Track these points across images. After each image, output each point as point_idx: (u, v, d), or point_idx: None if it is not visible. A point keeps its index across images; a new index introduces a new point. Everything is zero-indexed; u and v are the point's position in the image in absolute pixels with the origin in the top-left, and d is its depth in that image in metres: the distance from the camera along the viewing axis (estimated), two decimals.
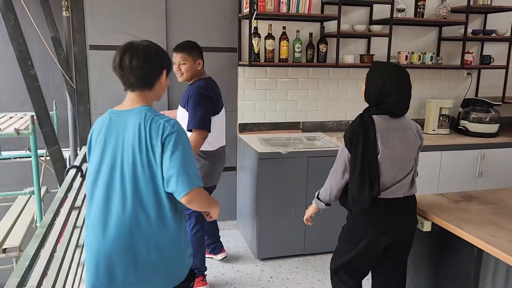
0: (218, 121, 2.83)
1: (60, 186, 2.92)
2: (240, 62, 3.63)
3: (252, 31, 3.42)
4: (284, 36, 3.53)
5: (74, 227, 2.66)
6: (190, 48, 2.70)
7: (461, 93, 4.30)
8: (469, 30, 3.90)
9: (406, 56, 3.81)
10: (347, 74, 3.97)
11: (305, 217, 2.35)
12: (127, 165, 1.57)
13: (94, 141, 1.67)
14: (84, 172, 2.85)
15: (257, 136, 3.68)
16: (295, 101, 3.90)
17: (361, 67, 3.80)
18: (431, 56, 3.87)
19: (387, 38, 3.75)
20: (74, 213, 2.81)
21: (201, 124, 2.58)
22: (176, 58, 2.70)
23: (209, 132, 2.64)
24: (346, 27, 3.61)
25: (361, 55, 3.79)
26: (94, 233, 1.61)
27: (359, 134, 1.92)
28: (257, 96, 3.78)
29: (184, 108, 2.69)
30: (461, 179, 3.70)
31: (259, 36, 3.47)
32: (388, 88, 1.93)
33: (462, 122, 4.03)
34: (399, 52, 3.84)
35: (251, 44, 3.42)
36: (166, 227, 1.61)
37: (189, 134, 2.54)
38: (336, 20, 3.55)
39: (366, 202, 1.93)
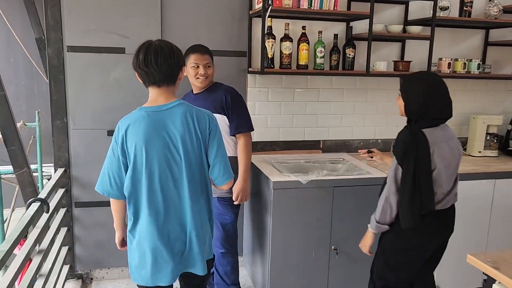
0: None
1: None
2: (250, 69, 3.01)
3: (266, 31, 2.82)
4: (304, 37, 2.92)
5: (34, 277, 2.06)
6: (211, 51, 2.55)
7: (509, 108, 3.66)
8: None
9: (449, 64, 3.18)
10: (377, 84, 3.34)
11: (365, 250, 2.24)
12: (179, 154, 1.74)
13: (130, 140, 1.74)
14: (50, 207, 2.25)
15: (269, 158, 3.05)
16: (315, 116, 3.27)
17: (395, 76, 3.17)
18: (478, 64, 3.23)
19: (425, 42, 3.13)
20: (36, 259, 2.20)
21: (252, 126, 2.58)
22: (202, 59, 2.45)
23: None
24: (379, 28, 2.99)
25: (395, 62, 3.16)
26: (154, 220, 1.77)
27: (412, 150, 1.92)
28: (270, 109, 3.16)
29: (221, 113, 2.48)
30: None
31: (274, 38, 2.86)
32: (430, 97, 1.95)
33: None
34: (440, 59, 3.21)
35: (264, 47, 2.81)
36: (208, 207, 1.89)
37: (226, 137, 2.49)
38: (367, 20, 2.94)
39: (416, 221, 1.95)
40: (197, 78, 2.44)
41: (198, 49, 2.47)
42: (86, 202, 2.91)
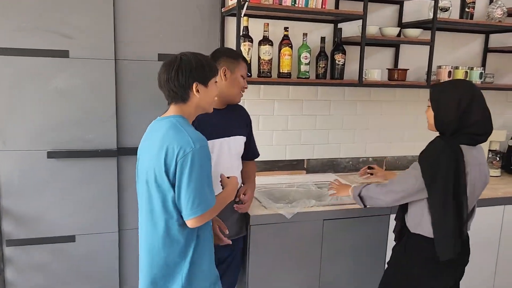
0: None
1: None
2: None
3: (241, 33, 2.36)
4: (286, 40, 2.47)
5: None
6: None
7: (509, 121, 3.32)
8: None
9: (449, 73, 2.80)
10: (368, 95, 2.93)
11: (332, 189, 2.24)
12: (150, 173, 1.58)
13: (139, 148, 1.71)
14: None
15: None
16: (298, 131, 2.83)
17: (390, 87, 2.76)
18: (481, 73, 2.87)
19: (421, 47, 2.75)
20: None
21: None
22: (246, 69, 2.04)
23: None
24: (374, 31, 2.57)
25: (390, 70, 2.76)
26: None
27: (450, 165, 1.71)
28: None
29: (243, 135, 2.11)
30: None
31: (251, 41, 2.40)
32: (466, 106, 1.73)
33: None
34: (439, 67, 2.82)
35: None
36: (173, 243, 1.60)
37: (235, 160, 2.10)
38: (358, 21, 2.53)
39: (457, 251, 1.78)
40: (242, 91, 2.02)
41: (244, 56, 2.06)
42: (21, 239, 2.37)
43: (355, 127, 2.94)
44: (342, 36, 2.64)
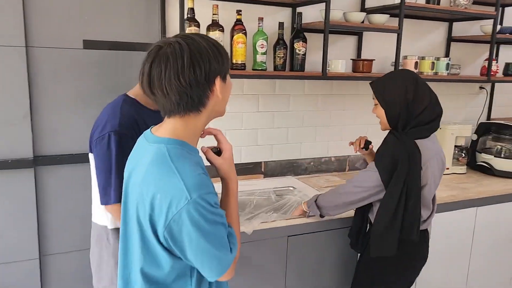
0: None
1: None
2: None
3: (186, 16, 1.97)
4: (239, 26, 2.11)
5: None
6: None
7: (472, 114, 3.17)
8: (487, 28, 2.75)
9: (416, 63, 2.57)
10: (330, 89, 2.64)
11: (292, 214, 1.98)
12: (133, 210, 1.11)
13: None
14: None
15: None
16: (254, 131, 2.49)
17: (356, 79, 2.49)
18: (447, 64, 2.66)
19: (384, 36, 2.51)
20: None
21: None
22: None
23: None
24: (338, 16, 2.27)
25: (354, 61, 2.48)
26: None
27: (403, 165, 1.60)
28: None
29: None
30: (502, 246, 2.53)
31: (198, 25, 2.02)
32: (414, 93, 1.63)
33: (483, 156, 2.88)
34: (405, 57, 2.58)
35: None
36: None
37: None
38: (318, 5, 2.22)
39: (391, 250, 1.66)
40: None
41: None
42: None
43: (316, 124, 2.65)
44: (303, 22, 2.32)
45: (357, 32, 2.60)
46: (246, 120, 2.44)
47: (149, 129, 1.16)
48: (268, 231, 1.86)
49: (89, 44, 2.00)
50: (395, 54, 2.40)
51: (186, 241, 1.02)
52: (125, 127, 1.42)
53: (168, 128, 1.10)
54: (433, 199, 1.78)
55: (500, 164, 2.78)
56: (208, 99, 1.07)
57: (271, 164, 2.57)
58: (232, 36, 2.11)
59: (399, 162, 1.60)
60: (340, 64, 2.35)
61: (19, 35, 1.87)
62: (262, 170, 2.55)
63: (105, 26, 2.02)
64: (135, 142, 1.21)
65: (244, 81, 2.39)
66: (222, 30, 2.07)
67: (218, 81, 1.07)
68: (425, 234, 1.80)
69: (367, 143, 1.97)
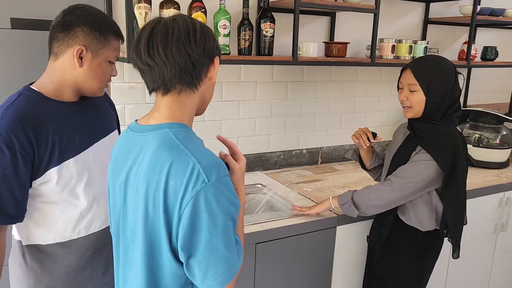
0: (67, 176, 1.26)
1: None
2: None
3: None
4: (197, 3, 1.83)
5: None
6: None
7: None
8: (466, 8, 2.58)
9: (393, 47, 2.37)
10: (301, 75, 2.41)
11: (310, 211, 1.79)
12: (136, 213, 0.98)
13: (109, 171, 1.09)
14: None
15: None
16: (218, 122, 2.24)
17: (328, 64, 2.27)
18: (425, 48, 2.48)
19: (356, 17, 2.31)
20: None
21: None
22: (119, 51, 1.31)
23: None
24: None
25: (327, 44, 2.25)
26: None
27: (462, 154, 1.57)
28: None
29: (115, 127, 1.49)
30: (474, 235, 2.40)
31: (149, 2, 1.73)
32: (455, 82, 1.58)
33: None
34: (381, 40, 2.38)
35: (131, 18, 1.69)
36: None
37: None
38: None
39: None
40: (108, 81, 1.31)
41: (119, 29, 1.28)
42: None
43: (286, 114, 2.42)
44: (269, 0, 2.07)
45: (329, 12, 2.37)
46: (208, 110, 2.18)
47: (133, 122, 1.05)
48: None
49: (17, 23, 1.68)
50: (372, 36, 2.18)
51: (197, 234, 0.90)
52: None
53: (164, 113, 0.99)
54: None
55: (479, 154, 2.64)
56: (205, 77, 1.00)
57: None
58: (189, 15, 1.84)
59: (458, 150, 1.54)
60: (312, 47, 2.12)
61: None
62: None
63: (35, 3, 1.71)
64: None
65: None
66: (178, 8, 1.80)
67: (216, 62, 1.02)
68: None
69: (374, 135, 1.77)
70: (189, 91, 0.99)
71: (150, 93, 1.01)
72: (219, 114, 2.22)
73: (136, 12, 1.69)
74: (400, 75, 1.64)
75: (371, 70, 2.62)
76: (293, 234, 1.76)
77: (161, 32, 0.94)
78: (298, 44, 2.11)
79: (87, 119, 1.31)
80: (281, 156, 2.46)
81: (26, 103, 1.18)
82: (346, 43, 2.23)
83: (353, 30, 2.47)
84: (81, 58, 1.20)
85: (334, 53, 2.21)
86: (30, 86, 1.23)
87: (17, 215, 1.18)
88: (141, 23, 1.70)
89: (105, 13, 1.75)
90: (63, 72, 1.21)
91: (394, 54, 2.39)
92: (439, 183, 1.60)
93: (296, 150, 2.50)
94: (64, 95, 1.24)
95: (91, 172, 1.28)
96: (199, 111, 1.09)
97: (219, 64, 1.03)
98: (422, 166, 1.57)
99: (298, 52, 2.11)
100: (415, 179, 1.57)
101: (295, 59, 1.98)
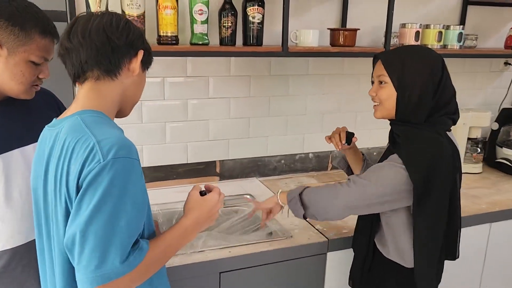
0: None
1: None
2: None
3: None
4: None
5: None
6: None
7: (492, 98, 2.55)
8: None
9: (417, 33, 1.97)
10: (305, 67, 2.07)
11: (263, 217, 1.47)
12: (45, 207, 0.97)
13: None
14: None
15: None
16: (204, 122, 1.97)
17: (327, 56, 1.92)
18: (460, 34, 2.05)
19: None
20: None
21: None
22: (51, 52, 1.15)
23: None
24: None
25: (332, 31, 1.90)
26: None
27: (447, 166, 1.19)
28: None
29: None
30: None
31: None
32: (441, 76, 1.23)
33: (505, 151, 2.29)
34: (403, 26, 1.99)
35: (87, 4, 1.45)
36: None
37: None
38: None
39: (435, 280, 1.31)
40: (34, 85, 1.14)
41: (49, 25, 1.11)
42: None
43: (287, 113, 2.10)
44: None
45: None
46: (192, 108, 1.92)
47: (54, 119, 1.01)
48: (192, 266, 1.36)
49: None
50: (386, 20, 1.81)
51: (79, 215, 0.82)
52: None
53: (80, 102, 0.96)
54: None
55: None
56: (125, 67, 0.97)
57: (228, 164, 2.05)
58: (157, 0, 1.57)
59: (435, 161, 1.17)
60: (311, 35, 1.79)
61: None
62: (217, 171, 2.04)
63: None
64: None
65: (188, 60, 1.86)
66: None
67: (140, 55, 0.99)
68: None
69: (349, 135, 1.47)
70: (108, 79, 0.96)
71: (73, 83, 0.99)
72: (204, 113, 1.94)
73: None
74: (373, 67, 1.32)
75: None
76: (270, 262, 1.46)
77: (84, 19, 0.95)
78: (295, 31, 1.79)
79: (8, 123, 1.13)
80: (282, 161, 2.15)
81: None
82: (355, 30, 1.86)
83: (370, 14, 2.09)
84: None
85: (341, 42, 1.85)
86: None
87: None
88: (94, 8, 1.46)
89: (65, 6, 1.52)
90: None
91: (418, 42, 1.99)
92: (411, 199, 1.22)
93: (301, 154, 2.18)
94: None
95: (6, 179, 1.12)
96: (123, 110, 1.04)
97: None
98: (391, 170, 1.21)
99: (295, 41, 1.80)
100: (380, 182, 1.22)
101: (284, 50, 1.65)
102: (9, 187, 1.13)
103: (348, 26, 2.06)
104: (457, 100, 1.30)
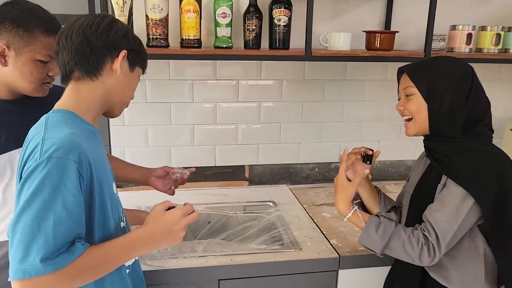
0: None
1: None
2: None
3: None
4: None
5: None
6: None
7: None
8: None
9: (469, 36, 1.77)
10: (343, 72, 1.97)
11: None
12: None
13: None
14: None
15: (144, 198, 1.76)
16: (233, 126, 1.96)
17: (358, 60, 1.79)
18: None
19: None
20: None
21: None
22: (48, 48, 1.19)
23: None
24: None
25: (368, 33, 1.77)
26: None
27: (502, 178, 1.09)
28: (147, 117, 1.85)
29: None
30: None
31: None
32: (471, 87, 1.15)
33: None
34: (453, 28, 1.80)
35: (105, 8, 1.52)
36: None
37: None
38: None
39: None
40: (45, 83, 1.20)
41: (52, 24, 1.18)
42: None
43: (322, 119, 2.01)
44: None
45: None
46: (222, 111, 1.92)
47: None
48: (191, 270, 1.35)
49: None
50: (428, 21, 1.65)
51: (19, 201, 0.85)
52: None
53: (59, 102, 1.01)
54: None
55: None
56: (105, 67, 0.98)
57: (257, 169, 2.01)
58: (180, 2, 1.59)
59: (504, 173, 1.10)
60: (342, 38, 1.68)
61: None
62: (246, 176, 2.01)
63: None
64: None
65: (218, 63, 1.86)
66: None
67: (121, 56, 0.99)
68: None
69: (366, 157, 1.35)
70: (88, 80, 0.98)
71: (62, 84, 1.02)
72: (232, 117, 1.93)
73: (113, 0, 1.51)
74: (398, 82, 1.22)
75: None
76: (273, 274, 1.40)
77: (71, 22, 0.98)
78: (325, 34, 1.71)
79: (25, 119, 1.20)
80: (316, 169, 2.06)
81: None
82: (393, 33, 1.72)
83: (418, 16, 1.92)
84: (4, 56, 1.13)
85: (376, 46, 1.73)
86: None
87: None
88: (118, 13, 1.51)
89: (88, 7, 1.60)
90: None
91: (470, 46, 1.79)
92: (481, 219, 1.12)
93: (337, 163, 2.07)
94: (8, 94, 1.19)
95: (13, 175, 1.18)
96: (111, 111, 1.05)
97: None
98: (454, 208, 1.09)
99: (325, 45, 1.71)
100: (451, 224, 1.09)
101: (307, 54, 1.58)
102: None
103: (393, 29, 1.92)
104: None
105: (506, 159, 1.13)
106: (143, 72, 1.09)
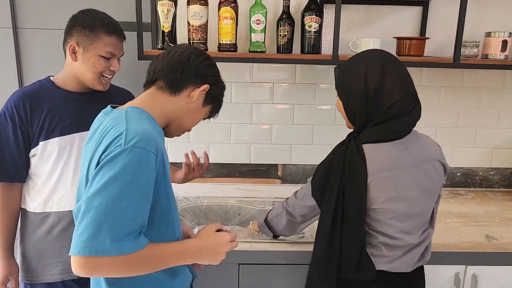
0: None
1: None
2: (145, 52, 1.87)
3: None
4: None
5: None
6: None
7: None
8: None
9: (504, 43, 1.76)
10: None
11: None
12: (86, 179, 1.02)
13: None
14: None
15: (184, 190, 1.93)
16: (268, 126, 2.07)
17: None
18: None
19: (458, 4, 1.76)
20: None
21: None
22: (119, 49, 1.44)
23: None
24: None
25: (398, 40, 1.82)
26: None
27: (335, 178, 1.17)
28: None
29: None
30: None
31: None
32: (377, 82, 1.14)
33: None
34: (488, 35, 1.80)
35: (154, 16, 1.70)
36: None
37: None
38: None
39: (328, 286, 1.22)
40: (105, 76, 1.42)
41: (114, 27, 1.41)
42: None
43: None
44: None
45: (418, 1, 1.91)
46: (257, 111, 2.04)
47: (108, 106, 1.12)
48: None
49: None
50: (457, 27, 1.67)
51: (89, 188, 0.90)
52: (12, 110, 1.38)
53: (135, 101, 1.09)
54: (425, 231, 1.27)
55: None
56: (186, 90, 1.08)
57: (290, 168, 2.11)
58: (219, 10, 1.75)
59: (331, 173, 1.20)
60: (371, 44, 1.75)
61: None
62: (279, 174, 2.12)
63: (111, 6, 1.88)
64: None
65: (255, 66, 1.99)
66: (205, 3, 1.72)
67: (203, 88, 1.09)
68: (393, 278, 1.23)
69: None
70: (167, 92, 1.07)
71: (143, 87, 1.12)
72: (268, 117, 2.05)
73: (159, 9, 1.69)
74: None
75: (483, 74, 2.02)
76: (291, 263, 1.49)
77: (181, 45, 1.15)
78: (355, 40, 1.78)
79: (87, 109, 1.42)
80: None
81: (38, 87, 1.43)
82: (424, 39, 1.76)
83: (454, 23, 1.94)
84: (74, 53, 1.37)
85: (406, 51, 1.77)
86: (50, 77, 1.46)
87: (17, 176, 1.41)
88: (163, 20, 1.69)
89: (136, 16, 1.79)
90: (68, 66, 1.42)
91: (506, 53, 1.78)
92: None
93: None
94: (69, 85, 1.44)
95: (71, 154, 1.41)
96: (168, 130, 1.12)
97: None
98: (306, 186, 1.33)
99: (354, 50, 1.79)
100: (302, 199, 1.33)
101: (334, 58, 1.67)
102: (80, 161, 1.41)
103: (428, 35, 1.95)
104: None
105: (345, 159, 1.17)
106: (210, 115, 1.19)
